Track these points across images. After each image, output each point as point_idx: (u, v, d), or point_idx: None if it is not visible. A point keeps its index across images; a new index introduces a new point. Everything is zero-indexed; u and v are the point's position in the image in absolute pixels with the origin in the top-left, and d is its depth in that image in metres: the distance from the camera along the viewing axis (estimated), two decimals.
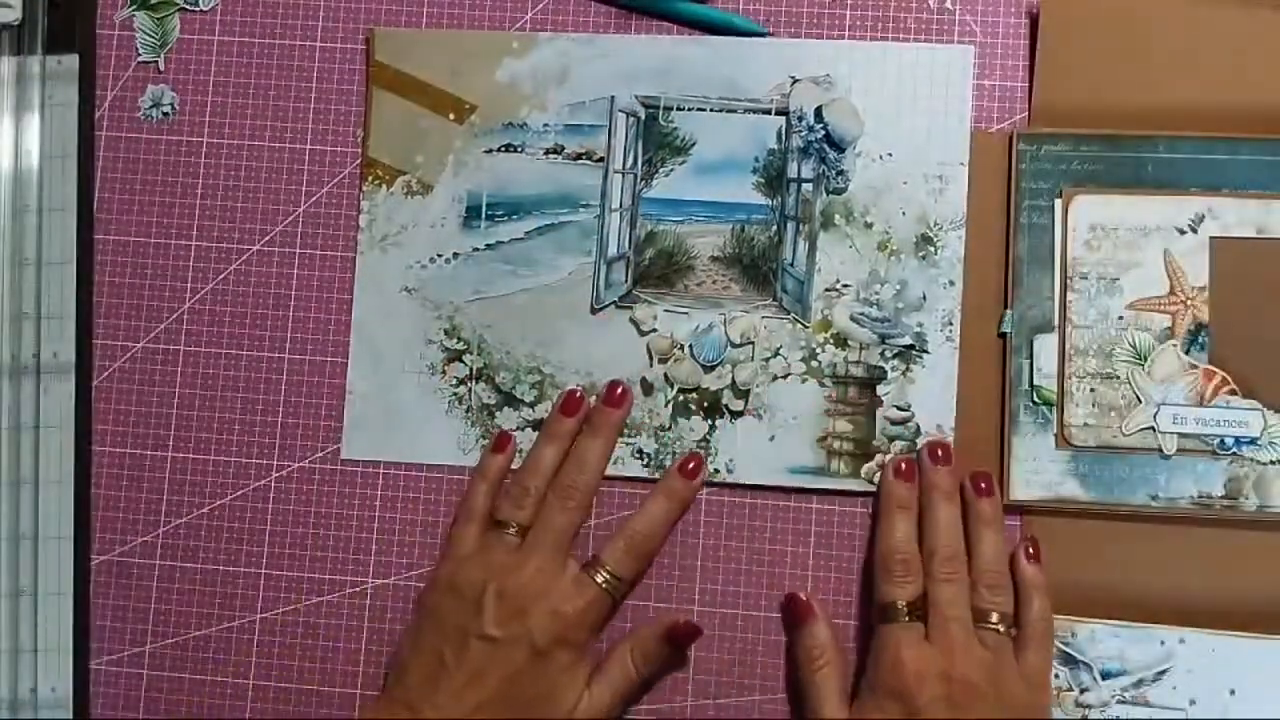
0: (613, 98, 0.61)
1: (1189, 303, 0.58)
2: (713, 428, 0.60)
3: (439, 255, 0.61)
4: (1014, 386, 0.59)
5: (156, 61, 0.64)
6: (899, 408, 0.59)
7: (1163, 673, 0.57)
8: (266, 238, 0.63)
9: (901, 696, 0.53)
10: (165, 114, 0.64)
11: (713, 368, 0.60)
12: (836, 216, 0.60)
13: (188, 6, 0.65)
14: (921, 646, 0.54)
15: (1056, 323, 0.59)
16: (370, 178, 0.62)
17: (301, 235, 0.63)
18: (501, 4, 0.64)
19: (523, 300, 0.61)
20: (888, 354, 0.59)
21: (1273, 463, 0.57)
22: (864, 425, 0.59)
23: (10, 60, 0.64)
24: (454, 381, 0.61)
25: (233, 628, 0.61)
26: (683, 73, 0.61)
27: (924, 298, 0.59)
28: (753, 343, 0.59)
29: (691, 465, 0.59)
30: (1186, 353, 0.58)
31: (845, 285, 0.60)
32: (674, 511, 0.59)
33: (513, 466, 0.60)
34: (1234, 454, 0.57)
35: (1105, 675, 0.57)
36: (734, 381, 0.59)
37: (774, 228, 0.60)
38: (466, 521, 0.59)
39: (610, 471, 0.60)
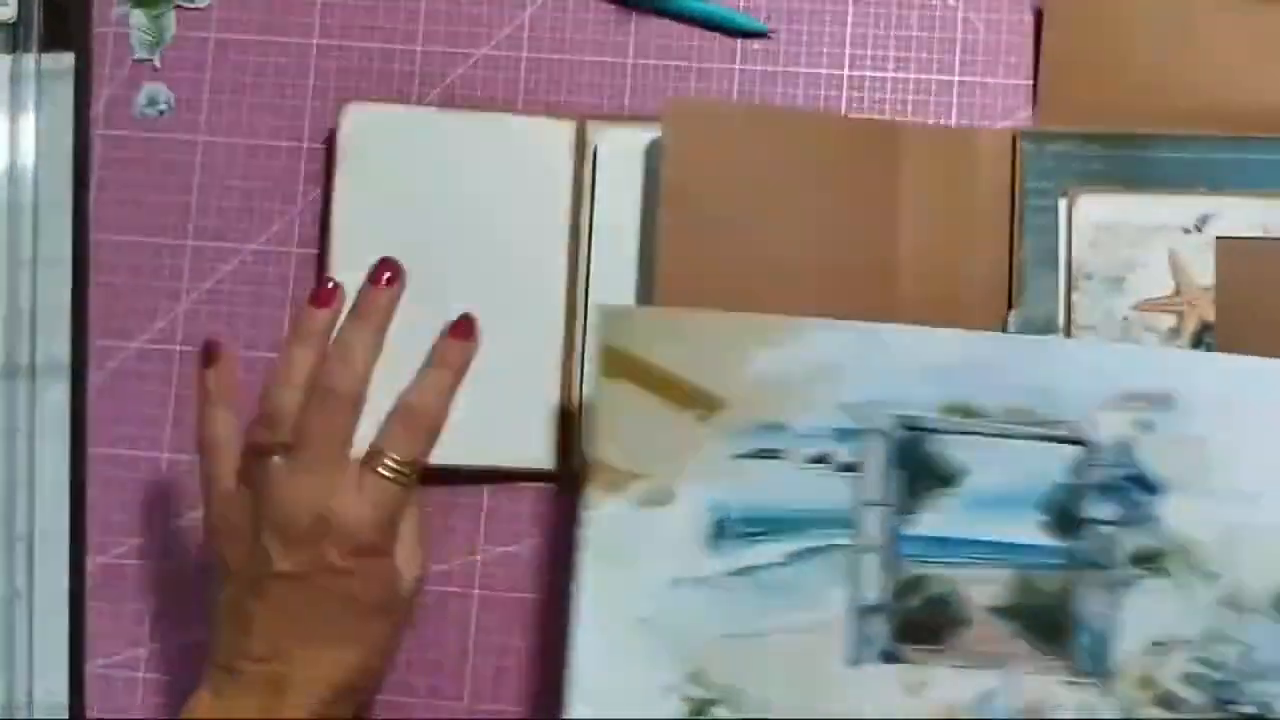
0: (869, 416, 0.51)
1: (1194, 303, 0.58)
2: None
3: (681, 579, 0.50)
4: None
5: (152, 60, 0.64)
6: None
7: None
8: (264, 237, 0.63)
9: None
10: (161, 112, 0.64)
11: None
12: (1173, 560, 0.49)
13: (184, 4, 0.64)
14: None
15: (1061, 323, 0.58)
16: (597, 484, 0.51)
17: (299, 235, 0.63)
18: (501, 1, 0.63)
19: (783, 641, 0.50)
20: None
21: None
22: None
23: (5, 59, 0.64)
24: None
25: None
26: (983, 375, 0.50)
27: None
28: (1042, 714, 0.50)
29: (463, 325, 0.54)
30: None
31: (1180, 641, 0.49)
32: (451, 380, 0.54)
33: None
34: None
35: None
36: None
37: (1066, 575, 0.50)
38: (211, 456, 0.52)
39: None
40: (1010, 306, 0.59)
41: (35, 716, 0.60)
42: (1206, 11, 0.60)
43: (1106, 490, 0.50)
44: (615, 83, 0.63)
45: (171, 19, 0.64)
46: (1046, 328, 0.58)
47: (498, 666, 0.59)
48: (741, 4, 0.63)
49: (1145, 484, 0.50)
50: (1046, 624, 0.50)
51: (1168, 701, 0.49)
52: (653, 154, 0.60)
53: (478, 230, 0.61)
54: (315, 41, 0.64)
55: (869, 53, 0.62)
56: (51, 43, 0.64)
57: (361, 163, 0.61)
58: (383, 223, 0.60)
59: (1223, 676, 0.49)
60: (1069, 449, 0.50)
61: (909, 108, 0.62)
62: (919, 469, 0.51)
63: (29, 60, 0.64)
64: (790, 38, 0.62)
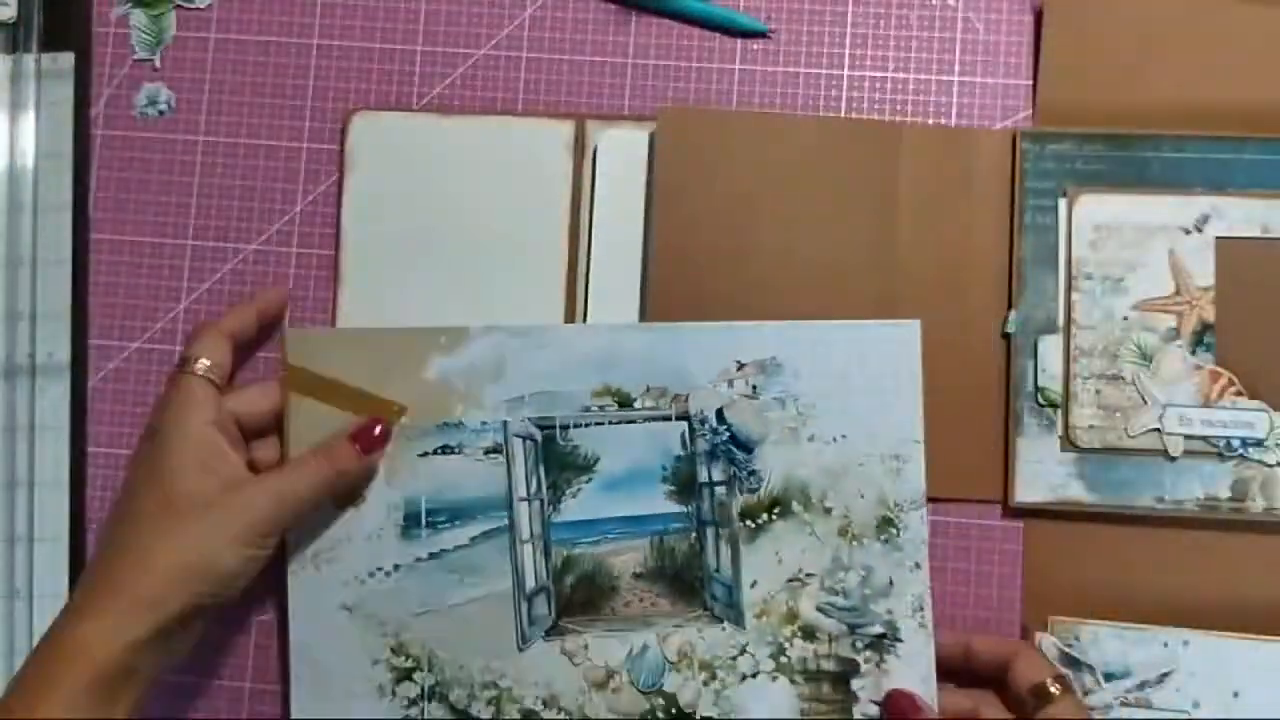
0: (505, 423, 0.58)
1: (1194, 303, 0.58)
2: None
3: (378, 569, 0.58)
4: (1018, 388, 0.58)
5: (152, 59, 0.64)
6: (876, 703, 0.57)
7: (1166, 675, 0.57)
8: (263, 237, 0.63)
9: None
10: (161, 112, 0.64)
11: (654, 692, 0.57)
12: (794, 503, 0.57)
13: (184, 4, 0.64)
14: None
15: (1061, 323, 0.58)
16: None
17: (298, 234, 0.63)
18: (501, 1, 0.63)
19: (473, 611, 0.58)
20: (859, 644, 0.57)
21: (1279, 464, 0.57)
22: None
23: (5, 58, 0.64)
24: (405, 703, 0.57)
25: (231, 628, 0.61)
26: (624, 361, 0.58)
27: (891, 583, 0.57)
28: (690, 658, 0.57)
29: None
30: (1192, 354, 0.58)
31: (809, 575, 0.57)
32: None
33: None
34: (1240, 456, 0.57)
35: (1108, 677, 0.57)
36: (677, 704, 0.57)
37: (693, 535, 0.58)
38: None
39: None
40: (1010, 306, 0.59)
41: None
42: (1206, 12, 0.60)
43: (713, 455, 0.58)
44: (615, 83, 0.63)
45: (171, 19, 0.64)
46: (1046, 328, 0.59)
47: None
48: (742, 4, 0.63)
49: (741, 444, 0.58)
50: (683, 581, 0.58)
51: (809, 632, 0.57)
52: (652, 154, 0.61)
53: (479, 230, 0.61)
54: (315, 42, 0.64)
55: (869, 53, 0.62)
56: (52, 43, 0.64)
57: (368, 168, 0.62)
58: (390, 225, 0.62)
59: (849, 603, 0.57)
60: (678, 424, 0.58)
61: (909, 108, 0.62)
62: (558, 463, 0.58)
63: (29, 60, 0.64)
64: (790, 38, 0.63)
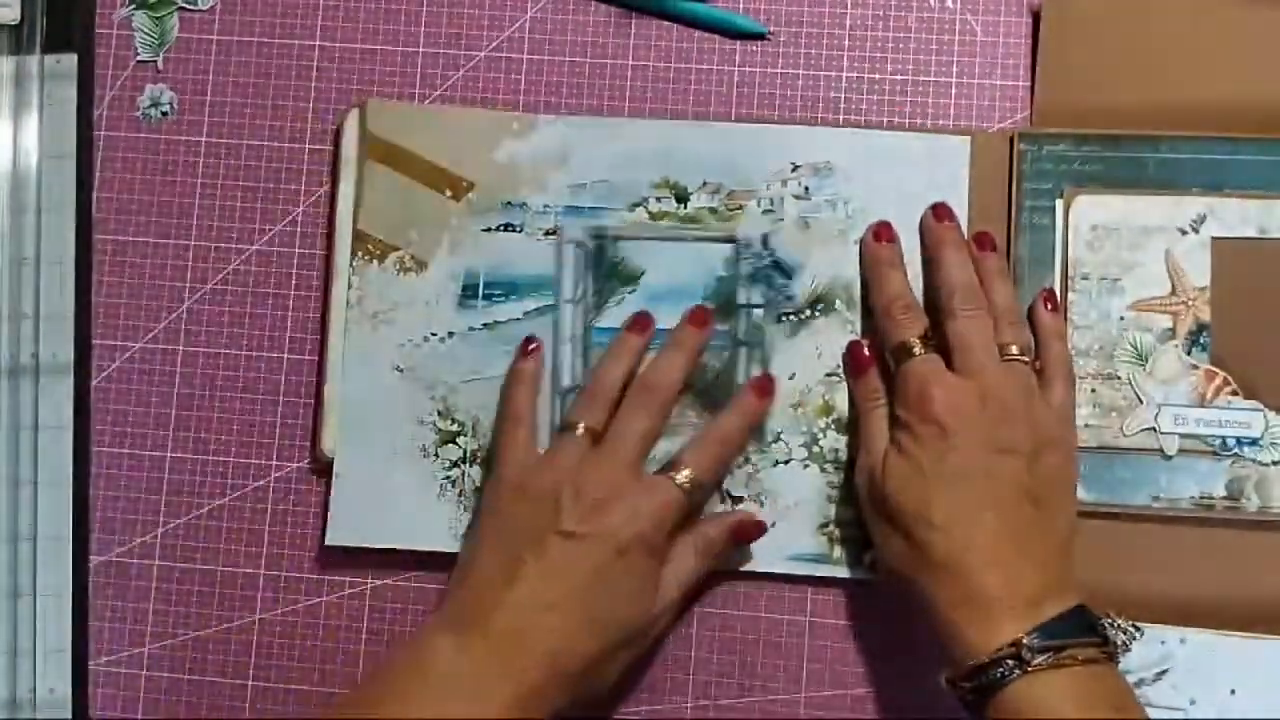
0: (560, 227, 0.60)
1: (1190, 303, 0.58)
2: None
3: (433, 334, 0.60)
4: None
5: (155, 61, 0.64)
6: None
7: (1163, 672, 0.57)
8: (266, 238, 0.63)
9: (937, 421, 0.52)
10: (164, 113, 0.64)
11: None
12: (837, 301, 0.59)
13: (186, 6, 0.64)
14: (948, 375, 0.54)
15: None
16: (360, 252, 0.61)
17: (301, 235, 0.63)
18: (502, 3, 0.64)
19: None
20: None
21: (1274, 463, 0.57)
22: None
23: (8, 60, 0.64)
24: (447, 465, 0.59)
25: (232, 628, 0.61)
26: (684, 157, 0.60)
27: None
28: None
29: (763, 383, 0.58)
30: (1188, 353, 0.58)
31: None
32: (748, 423, 0.58)
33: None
34: (1235, 455, 0.57)
35: None
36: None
37: (726, 353, 0.59)
38: (515, 426, 0.57)
39: None
40: None
41: (38, 715, 0.61)
42: (1202, 13, 0.60)
43: (754, 278, 0.60)
44: (615, 85, 0.63)
45: (174, 21, 0.65)
46: None
47: None
48: (741, 6, 0.63)
49: (783, 269, 0.60)
50: (711, 396, 0.59)
51: (842, 424, 0.59)
52: None
53: None
54: (317, 44, 0.64)
55: (867, 54, 0.62)
56: (55, 44, 0.64)
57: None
58: None
59: None
60: (725, 246, 0.60)
61: (907, 109, 0.62)
62: (606, 272, 0.60)
63: (32, 61, 0.64)
64: (789, 40, 0.63)
